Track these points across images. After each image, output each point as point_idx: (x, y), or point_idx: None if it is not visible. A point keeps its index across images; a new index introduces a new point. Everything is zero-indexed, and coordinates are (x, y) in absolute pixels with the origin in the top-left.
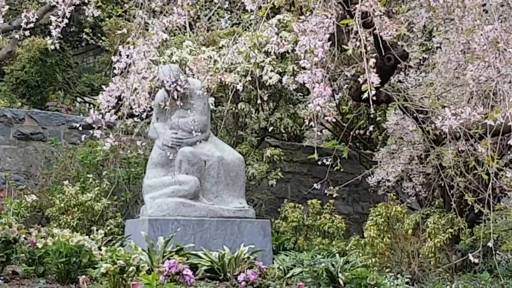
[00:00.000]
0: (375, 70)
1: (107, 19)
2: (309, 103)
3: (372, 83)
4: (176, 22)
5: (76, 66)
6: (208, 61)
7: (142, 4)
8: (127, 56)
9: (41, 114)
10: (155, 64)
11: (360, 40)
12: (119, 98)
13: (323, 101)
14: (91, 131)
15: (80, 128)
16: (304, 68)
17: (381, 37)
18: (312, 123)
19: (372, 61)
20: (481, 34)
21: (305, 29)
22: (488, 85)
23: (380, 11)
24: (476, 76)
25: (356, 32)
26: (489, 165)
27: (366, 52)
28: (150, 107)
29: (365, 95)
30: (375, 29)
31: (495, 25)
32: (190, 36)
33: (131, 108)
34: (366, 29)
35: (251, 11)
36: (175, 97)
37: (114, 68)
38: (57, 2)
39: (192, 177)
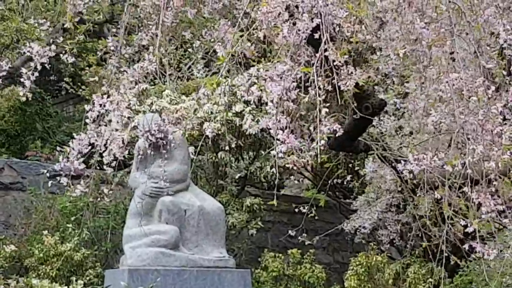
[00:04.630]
0: (355, 117)
1: (87, 68)
2: (272, 149)
3: (335, 131)
4: (147, 69)
5: (56, 115)
6: (188, 110)
7: (115, 52)
8: (100, 105)
9: (20, 164)
10: (135, 113)
11: (325, 89)
12: (92, 146)
13: (285, 148)
14: (61, 179)
15: (48, 175)
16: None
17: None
18: (273, 169)
19: (324, 110)
20: (447, 82)
21: (272, 76)
22: (449, 132)
23: (340, 62)
24: (437, 123)
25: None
26: (465, 216)
27: (327, 101)
28: (124, 156)
29: (346, 144)
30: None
31: (461, 74)
32: (169, 85)
33: (102, 156)
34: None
35: (223, 57)
36: (155, 146)
37: (87, 117)
38: (32, 53)
39: (172, 226)
